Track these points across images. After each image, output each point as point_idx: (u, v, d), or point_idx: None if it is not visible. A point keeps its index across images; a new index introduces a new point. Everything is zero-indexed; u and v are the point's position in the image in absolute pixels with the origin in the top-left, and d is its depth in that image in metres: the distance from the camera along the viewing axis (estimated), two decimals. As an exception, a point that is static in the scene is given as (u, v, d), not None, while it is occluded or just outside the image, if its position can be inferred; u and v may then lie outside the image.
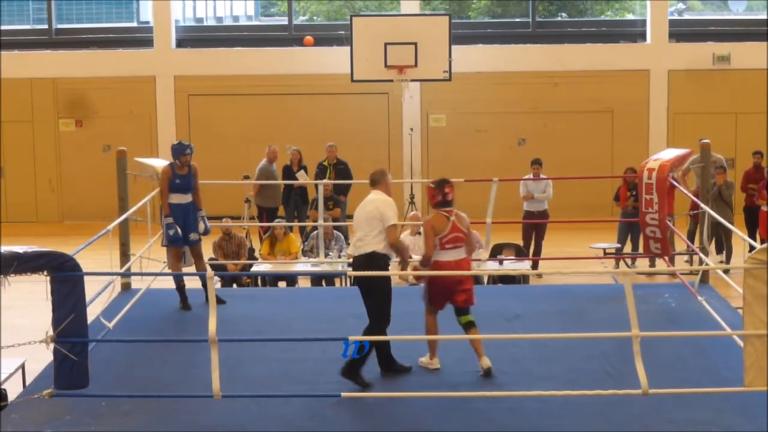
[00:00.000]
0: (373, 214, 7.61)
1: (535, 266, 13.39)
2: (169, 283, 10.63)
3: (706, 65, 18.37)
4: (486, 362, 7.75)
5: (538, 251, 14.02)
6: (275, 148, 15.29)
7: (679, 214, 11.51)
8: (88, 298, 7.02)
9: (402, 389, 7.49)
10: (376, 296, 7.61)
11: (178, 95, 18.87)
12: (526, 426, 6.85)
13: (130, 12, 21.17)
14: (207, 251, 12.84)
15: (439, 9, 20.01)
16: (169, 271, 9.99)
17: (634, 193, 14.00)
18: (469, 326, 7.93)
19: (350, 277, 8.79)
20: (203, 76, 18.74)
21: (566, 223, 15.23)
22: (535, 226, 13.95)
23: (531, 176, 13.92)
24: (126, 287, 10.43)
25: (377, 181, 7.87)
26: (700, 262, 10.45)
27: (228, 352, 7.45)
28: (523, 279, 12.13)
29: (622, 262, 13.66)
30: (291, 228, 13.59)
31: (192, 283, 9.84)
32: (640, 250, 13.42)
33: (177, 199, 9.76)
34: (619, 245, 14.03)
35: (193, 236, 9.84)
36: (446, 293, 7.84)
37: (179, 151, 9.80)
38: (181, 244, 9.87)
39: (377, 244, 7.60)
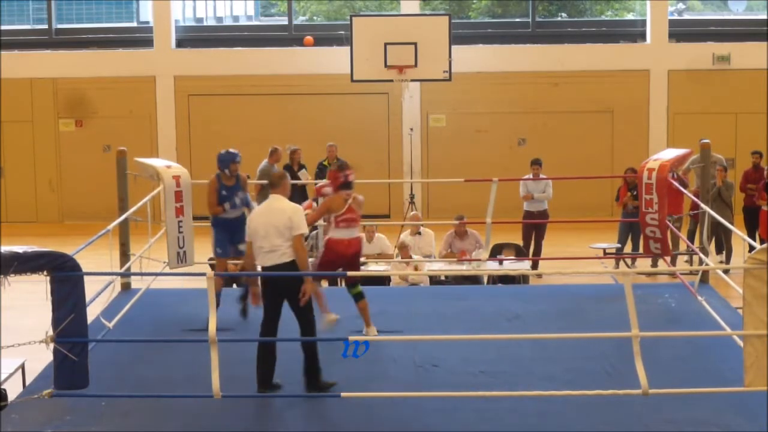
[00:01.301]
0: (287, 224, 7.43)
1: (535, 266, 13.38)
2: (168, 283, 10.63)
3: (706, 65, 18.37)
4: (373, 330, 8.60)
5: (538, 251, 14.01)
6: (280, 150, 15.25)
7: (679, 215, 11.53)
8: (88, 298, 7.02)
9: (402, 389, 7.49)
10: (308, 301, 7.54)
11: (178, 95, 18.87)
12: (526, 426, 6.84)
13: (130, 12, 21.17)
14: (207, 251, 12.85)
15: (439, 9, 20.01)
16: (169, 270, 9.98)
17: (634, 192, 14.01)
18: (359, 297, 8.67)
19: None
20: (203, 76, 18.75)
21: (566, 223, 15.23)
22: (535, 226, 13.94)
23: (531, 176, 13.91)
24: (126, 287, 10.43)
25: (276, 184, 7.68)
26: (700, 262, 10.45)
27: (228, 352, 7.44)
28: (523, 279, 12.13)
29: (622, 262, 13.66)
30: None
31: (194, 283, 9.82)
32: (641, 250, 13.43)
33: (225, 214, 9.42)
34: (619, 245, 14.03)
35: (242, 247, 9.38)
36: (343, 267, 8.47)
37: (229, 159, 9.36)
38: (226, 256, 9.66)
39: (287, 253, 7.47)
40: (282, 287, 7.52)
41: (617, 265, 13.62)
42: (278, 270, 7.46)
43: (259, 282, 7.84)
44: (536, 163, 14.06)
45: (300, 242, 7.48)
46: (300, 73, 18.49)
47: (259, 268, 7.72)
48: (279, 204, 7.60)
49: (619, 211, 14.66)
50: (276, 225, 7.45)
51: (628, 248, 14.06)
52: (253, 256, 7.63)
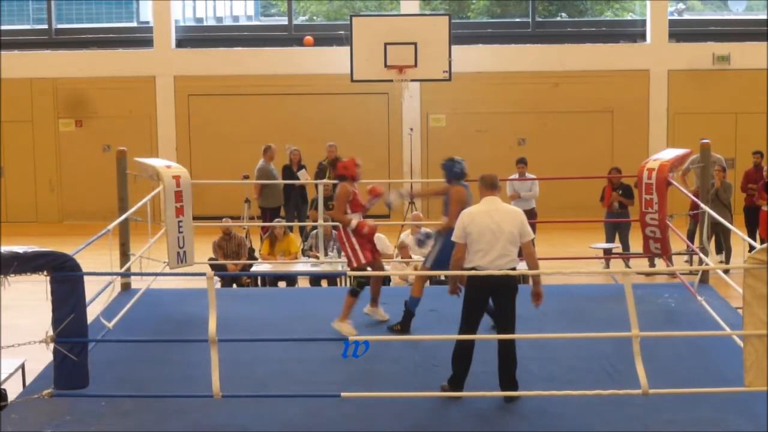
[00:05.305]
0: (520, 230, 7.42)
1: (534, 266, 13.37)
2: (168, 283, 10.63)
3: (706, 65, 18.38)
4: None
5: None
6: (274, 147, 15.26)
7: (678, 214, 11.51)
8: (88, 298, 7.01)
9: (402, 389, 7.48)
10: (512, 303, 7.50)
11: (178, 95, 18.87)
12: (526, 426, 6.85)
13: (130, 12, 21.17)
14: (207, 251, 12.87)
15: (439, 9, 20.01)
16: (169, 270, 9.99)
17: (620, 192, 14.04)
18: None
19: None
20: (203, 76, 18.75)
21: (566, 224, 15.22)
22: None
23: (517, 176, 13.89)
24: (126, 287, 10.42)
25: (495, 185, 7.55)
26: (700, 262, 10.44)
27: (228, 352, 7.44)
28: (523, 279, 12.10)
29: (612, 261, 13.64)
30: (291, 228, 13.59)
31: (194, 283, 9.82)
32: (633, 248, 13.43)
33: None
34: (616, 245, 14.02)
35: None
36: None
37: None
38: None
39: (516, 260, 7.46)
40: (499, 289, 7.49)
41: (607, 265, 13.59)
42: (514, 277, 7.34)
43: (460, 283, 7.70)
44: (521, 162, 14.08)
45: (531, 248, 7.50)
46: (300, 73, 18.50)
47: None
48: (504, 206, 7.49)
49: (603, 211, 14.53)
50: (510, 231, 7.38)
51: (619, 249, 14.06)
52: (464, 258, 7.46)
